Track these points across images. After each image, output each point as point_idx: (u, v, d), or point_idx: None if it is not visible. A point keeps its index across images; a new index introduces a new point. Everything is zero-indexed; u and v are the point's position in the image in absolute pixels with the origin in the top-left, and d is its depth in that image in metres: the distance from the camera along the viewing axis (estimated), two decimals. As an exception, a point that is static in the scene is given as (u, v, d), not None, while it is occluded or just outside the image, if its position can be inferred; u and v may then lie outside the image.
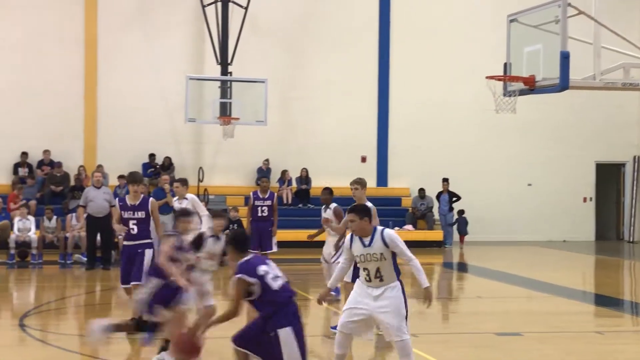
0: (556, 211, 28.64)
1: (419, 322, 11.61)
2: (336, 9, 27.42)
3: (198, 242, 10.01)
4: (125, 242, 11.67)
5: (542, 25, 12.44)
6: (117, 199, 12.31)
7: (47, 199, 23.71)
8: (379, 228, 8.48)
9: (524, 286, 16.55)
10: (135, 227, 11.56)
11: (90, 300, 15.33)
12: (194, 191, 25.03)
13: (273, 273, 7.38)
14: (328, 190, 14.21)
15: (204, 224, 14.02)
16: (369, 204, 10.13)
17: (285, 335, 7.17)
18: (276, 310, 7.24)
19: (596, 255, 25.78)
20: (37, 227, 20.90)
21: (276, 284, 7.32)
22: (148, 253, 11.39)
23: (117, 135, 25.92)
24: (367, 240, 8.38)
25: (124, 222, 11.62)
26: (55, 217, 21.04)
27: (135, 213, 11.61)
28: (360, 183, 12.02)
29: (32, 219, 21.03)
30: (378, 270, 8.38)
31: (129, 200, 11.71)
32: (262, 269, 7.32)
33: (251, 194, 16.90)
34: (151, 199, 12.09)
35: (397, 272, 8.49)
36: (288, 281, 7.48)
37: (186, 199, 13.66)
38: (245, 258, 7.41)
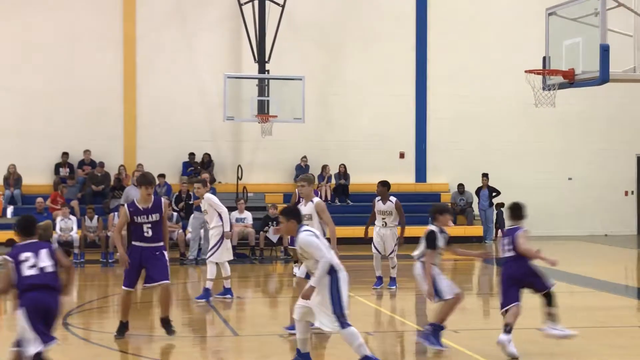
0: (598, 205, 28.38)
1: (460, 318, 11.57)
2: (372, 4, 27.37)
3: None
4: (136, 243, 11.08)
5: (581, 18, 12.34)
6: (125, 205, 11.32)
7: (88, 198, 23.97)
8: (300, 230, 8.86)
9: (566, 281, 16.40)
10: (150, 230, 10.99)
11: (132, 299, 15.43)
12: (233, 189, 25.22)
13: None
14: (383, 183, 16.00)
15: (225, 221, 14.31)
16: (316, 199, 11.65)
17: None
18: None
19: (638, 249, 25.50)
20: (79, 226, 21.13)
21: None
22: (166, 254, 11.14)
23: (156, 134, 26.13)
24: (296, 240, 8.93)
25: (136, 228, 11.05)
26: (96, 216, 21.26)
27: (150, 216, 10.99)
28: (306, 180, 12.24)
29: (73, 218, 21.29)
30: (308, 267, 8.98)
31: (140, 204, 11.04)
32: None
33: (296, 189, 16.93)
34: (163, 199, 11.57)
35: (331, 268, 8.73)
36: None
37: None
38: None
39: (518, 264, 9.81)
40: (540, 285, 9.91)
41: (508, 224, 10.38)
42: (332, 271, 8.68)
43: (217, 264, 14.51)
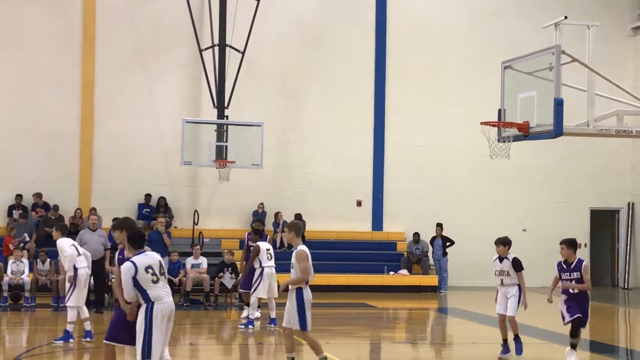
0: (551, 257, 28.36)
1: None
2: (332, 53, 27.63)
3: None
4: None
5: (536, 72, 12.52)
6: (117, 252, 10.84)
7: (41, 241, 23.62)
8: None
9: (520, 332, 16.43)
10: None
11: (82, 344, 15.20)
12: (189, 234, 25.09)
13: None
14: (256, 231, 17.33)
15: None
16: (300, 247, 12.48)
17: None
18: None
19: (591, 302, 25.64)
20: (31, 270, 20.82)
21: None
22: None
23: (113, 177, 25.97)
24: None
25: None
26: (48, 259, 20.97)
27: None
28: (288, 227, 12.83)
29: (25, 261, 20.97)
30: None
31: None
32: None
33: (246, 235, 17.22)
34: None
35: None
36: None
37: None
38: None
39: None
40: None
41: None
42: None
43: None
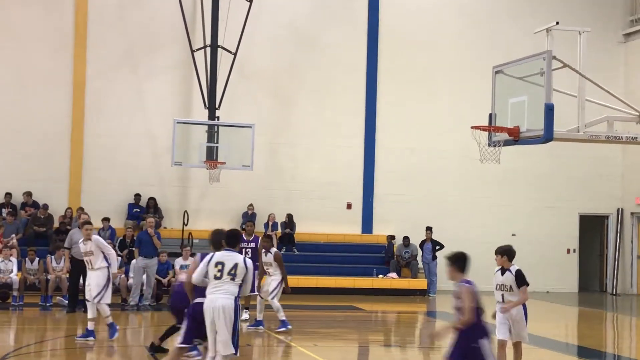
0: (540, 262, 28.64)
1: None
2: (324, 56, 27.64)
3: None
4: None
5: (527, 77, 12.54)
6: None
7: (29, 240, 23.56)
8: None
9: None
10: None
11: (71, 344, 15.17)
12: (179, 235, 25.05)
13: None
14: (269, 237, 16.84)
15: (112, 263, 14.94)
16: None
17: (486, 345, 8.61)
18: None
19: (579, 307, 25.76)
20: (19, 268, 20.75)
21: None
22: None
23: (103, 177, 25.91)
24: None
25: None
26: (37, 259, 20.90)
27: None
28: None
29: (14, 260, 20.89)
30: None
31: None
32: None
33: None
34: None
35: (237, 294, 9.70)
36: None
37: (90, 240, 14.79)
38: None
39: None
40: None
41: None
42: None
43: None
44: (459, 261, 9.13)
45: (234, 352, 9.52)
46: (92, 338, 14.59)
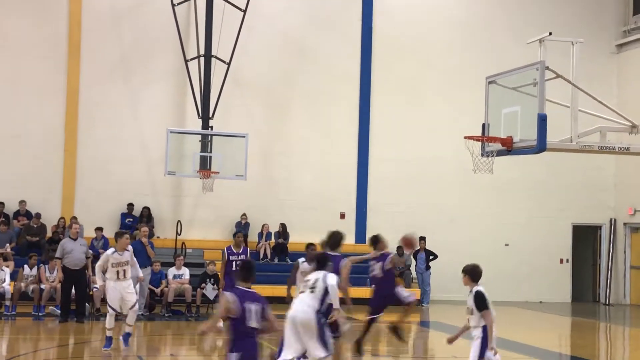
0: (533, 272, 28.70)
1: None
2: (318, 65, 27.67)
3: None
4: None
5: (520, 88, 12.57)
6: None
7: (23, 250, 23.48)
8: None
9: (500, 347, 16.45)
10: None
11: (63, 354, 15.15)
12: (172, 244, 25.00)
13: None
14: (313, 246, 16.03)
15: (139, 271, 16.03)
16: None
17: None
18: None
19: (572, 317, 25.76)
20: (12, 277, 20.69)
21: None
22: None
23: (96, 186, 25.86)
24: None
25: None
26: (37, 266, 20.89)
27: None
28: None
29: (7, 270, 20.83)
30: None
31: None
32: None
33: (225, 249, 17.27)
34: None
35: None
36: None
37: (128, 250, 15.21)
38: None
39: None
40: None
41: None
42: None
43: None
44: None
45: None
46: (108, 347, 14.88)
